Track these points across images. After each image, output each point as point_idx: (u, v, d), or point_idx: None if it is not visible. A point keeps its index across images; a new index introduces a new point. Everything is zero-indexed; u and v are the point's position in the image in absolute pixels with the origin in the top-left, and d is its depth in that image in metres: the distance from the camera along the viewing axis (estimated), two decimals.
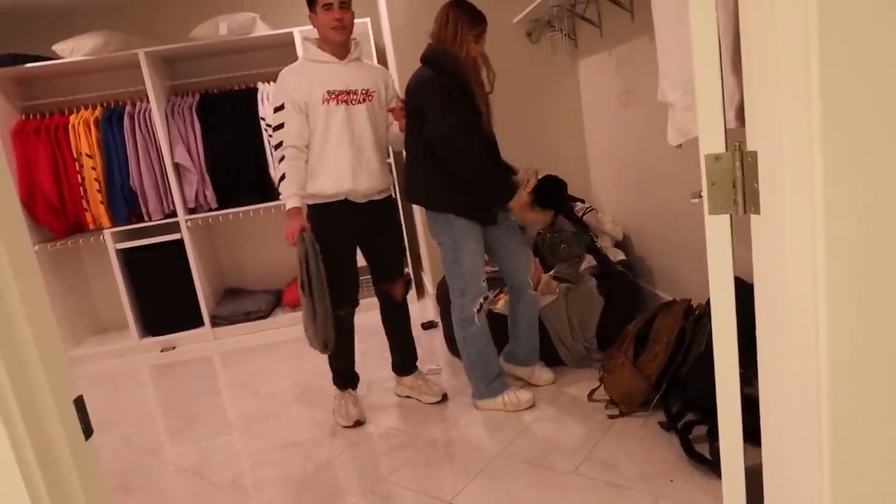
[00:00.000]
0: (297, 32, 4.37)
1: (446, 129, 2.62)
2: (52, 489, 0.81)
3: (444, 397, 3.10)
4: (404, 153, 2.87)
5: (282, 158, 2.75)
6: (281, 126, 2.75)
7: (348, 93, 2.77)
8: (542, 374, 3.10)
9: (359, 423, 2.96)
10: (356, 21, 3.70)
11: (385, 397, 3.21)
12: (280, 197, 2.77)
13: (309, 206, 2.88)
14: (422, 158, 2.73)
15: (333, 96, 2.74)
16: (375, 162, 2.89)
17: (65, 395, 0.87)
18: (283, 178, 2.74)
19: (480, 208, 2.76)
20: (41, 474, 0.80)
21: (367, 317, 3.76)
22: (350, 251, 2.95)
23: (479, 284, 2.81)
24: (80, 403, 0.89)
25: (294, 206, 2.74)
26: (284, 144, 2.74)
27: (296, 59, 4.45)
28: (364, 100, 2.82)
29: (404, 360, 3.19)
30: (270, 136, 4.31)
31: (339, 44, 2.77)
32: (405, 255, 3.21)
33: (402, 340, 3.19)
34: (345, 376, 3.07)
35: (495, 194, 2.75)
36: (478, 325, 2.83)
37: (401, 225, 3.11)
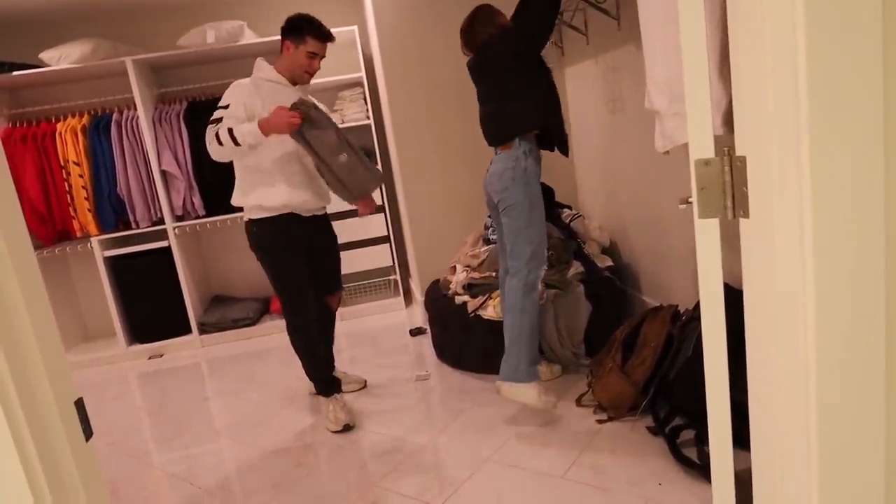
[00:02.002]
0: None
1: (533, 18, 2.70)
2: (54, 489, 0.82)
3: (365, 384, 3.42)
4: (486, 106, 2.90)
5: (216, 133, 2.72)
6: (218, 119, 2.76)
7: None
8: (553, 367, 3.17)
9: (348, 428, 2.97)
10: (344, 29, 3.74)
11: (373, 403, 3.21)
12: (240, 137, 2.68)
13: (256, 222, 2.90)
14: (512, 93, 2.79)
15: None
16: (319, 178, 2.96)
17: (66, 397, 0.88)
18: (230, 133, 2.69)
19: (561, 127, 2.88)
20: (44, 474, 0.80)
21: (355, 324, 3.76)
22: (303, 262, 2.99)
23: (544, 253, 2.83)
24: (80, 405, 0.90)
25: (259, 119, 2.71)
26: (224, 119, 2.74)
27: None
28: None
29: (331, 359, 3.31)
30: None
31: (302, 82, 2.94)
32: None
33: (328, 346, 3.30)
34: (325, 382, 3.11)
35: None
36: (539, 290, 2.83)
37: (337, 238, 3.22)
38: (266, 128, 2.67)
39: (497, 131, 2.86)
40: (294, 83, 2.93)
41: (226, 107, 2.78)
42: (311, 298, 3.03)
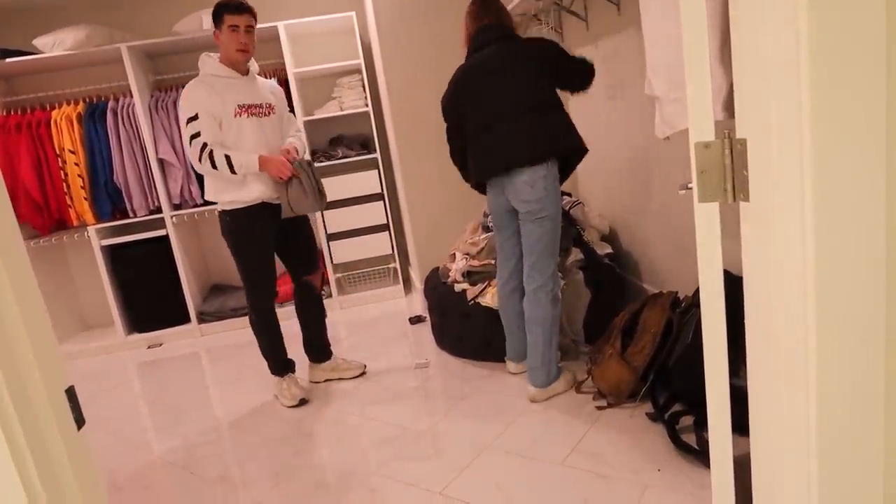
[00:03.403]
0: (282, 26, 4.35)
1: (578, 60, 2.72)
2: (45, 478, 0.81)
3: (365, 369, 3.46)
4: (497, 124, 2.70)
5: (210, 154, 2.86)
6: (198, 134, 2.86)
7: (257, 106, 3.01)
8: None
9: (303, 402, 3.19)
10: (342, 15, 3.74)
11: (373, 391, 3.21)
12: (238, 168, 2.88)
13: (230, 212, 3.01)
14: (555, 108, 2.68)
15: (244, 109, 2.96)
16: None
17: (56, 385, 0.86)
18: (227, 160, 2.86)
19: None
20: (34, 464, 0.79)
21: (355, 312, 3.75)
22: (272, 250, 3.15)
23: (559, 260, 2.84)
24: (71, 393, 0.89)
25: (259, 155, 2.91)
26: (209, 145, 2.87)
27: (280, 54, 4.47)
28: (269, 112, 3.07)
29: (323, 346, 3.46)
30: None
31: (241, 63, 2.98)
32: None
33: (321, 329, 3.45)
34: (282, 363, 3.28)
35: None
36: (560, 300, 2.85)
37: (307, 221, 3.31)
38: (263, 167, 2.92)
39: (530, 146, 2.62)
40: (243, 72, 3.01)
41: (195, 117, 2.86)
42: (273, 284, 3.19)
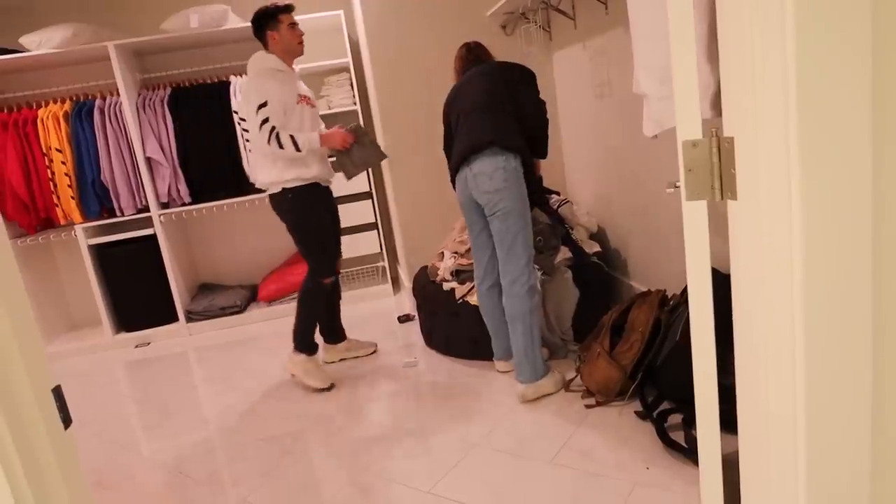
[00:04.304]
0: None
1: (541, 104, 2.93)
2: (31, 478, 0.80)
3: (376, 348, 3.74)
4: (477, 113, 2.89)
5: (277, 136, 3.09)
6: (267, 119, 3.09)
7: (307, 97, 3.34)
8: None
9: (332, 387, 3.30)
10: (330, 13, 3.80)
11: (362, 390, 3.21)
12: (302, 145, 3.12)
13: (291, 191, 3.22)
14: (509, 114, 2.83)
15: (301, 98, 3.26)
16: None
17: (43, 384, 0.86)
18: (293, 140, 3.11)
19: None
20: (21, 463, 0.79)
21: (343, 311, 3.74)
22: (331, 226, 3.42)
23: (533, 252, 2.86)
24: (58, 393, 0.88)
25: (319, 132, 3.24)
26: (276, 128, 3.09)
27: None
28: (314, 104, 3.41)
29: (339, 328, 3.68)
30: (245, 130, 4.31)
31: (301, 54, 3.32)
32: None
33: (339, 311, 3.66)
34: (312, 343, 3.38)
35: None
36: (540, 293, 2.88)
37: None
38: (325, 142, 3.22)
39: (483, 135, 2.80)
40: (292, 68, 3.31)
41: (265, 104, 3.08)
42: (335, 257, 3.46)
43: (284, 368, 3.56)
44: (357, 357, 3.67)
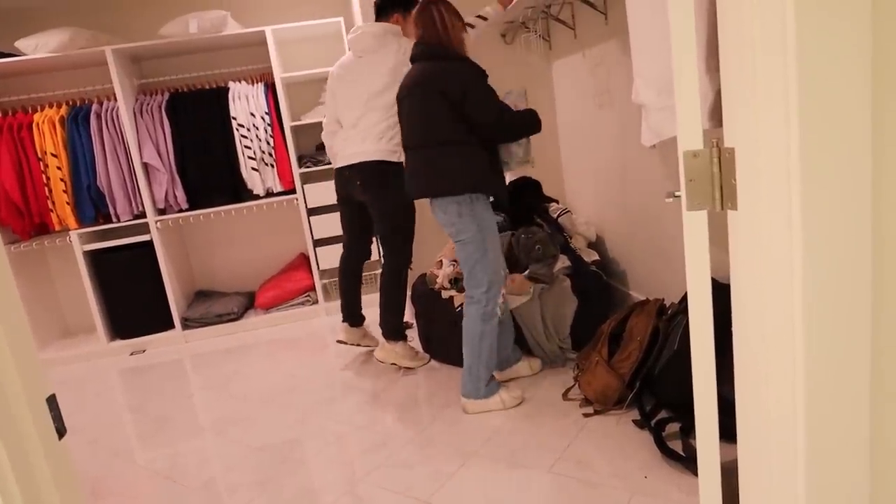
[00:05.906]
0: (269, 31, 4.33)
1: (496, 110, 2.68)
2: (24, 489, 0.79)
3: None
4: (410, 150, 2.83)
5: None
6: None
7: None
8: (532, 362, 3.17)
9: (430, 359, 3.53)
10: (329, 20, 3.79)
11: (359, 397, 3.19)
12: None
13: (395, 164, 3.26)
14: (454, 145, 2.68)
15: None
16: None
17: (37, 393, 0.85)
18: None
19: (502, 187, 2.82)
20: (13, 474, 0.78)
21: (341, 318, 3.73)
22: None
23: (501, 275, 2.83)
24: (52, 402, 0.87)
25: None
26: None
27: (267, 59, 4.47)
28: None
29: (359, 312, 3.79)
30: (244, 136, 4.31)
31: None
32: None
33: (360, 296, 3.78)
34: (402, 328, 3.51)
35: (537, 124, 2.81)
36: (498, 317, 2.85)
37: None
38: None
39: (431, 184, 2.72)
40: None
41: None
42: None
43: (376, 360, 3.56)
44: (370, 348, 3.80)
